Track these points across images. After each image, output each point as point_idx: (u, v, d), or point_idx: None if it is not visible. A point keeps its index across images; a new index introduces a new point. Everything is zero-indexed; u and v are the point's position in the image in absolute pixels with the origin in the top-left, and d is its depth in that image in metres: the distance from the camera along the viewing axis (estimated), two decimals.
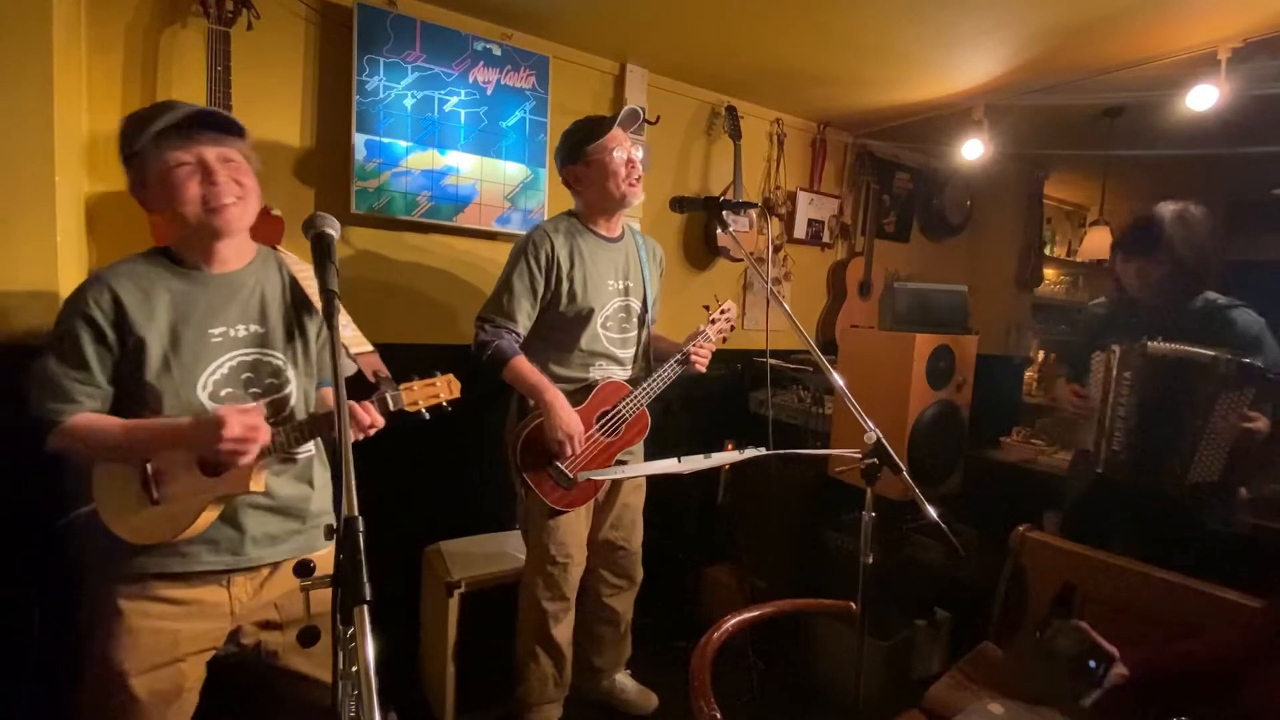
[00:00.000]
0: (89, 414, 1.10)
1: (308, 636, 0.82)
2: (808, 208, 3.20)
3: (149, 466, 1.10)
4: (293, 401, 1.23)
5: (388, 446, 1.48)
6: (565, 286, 1.77)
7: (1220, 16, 2.00)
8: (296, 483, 1.26)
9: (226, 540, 1.18)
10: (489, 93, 2.22)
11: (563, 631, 1.89)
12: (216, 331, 1.16)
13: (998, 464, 2.74)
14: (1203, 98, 2.22)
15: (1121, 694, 1.16)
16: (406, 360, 1.32)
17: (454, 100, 2.16)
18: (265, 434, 1.08)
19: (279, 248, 1.29)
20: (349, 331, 1.26)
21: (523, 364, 1.72)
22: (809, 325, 3.32)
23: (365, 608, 0.64)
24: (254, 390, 1.19)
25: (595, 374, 1.83)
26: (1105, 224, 3.94)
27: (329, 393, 1.34)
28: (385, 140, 2.05)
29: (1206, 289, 1.72)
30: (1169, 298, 1.73)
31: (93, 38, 1.73)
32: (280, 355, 1.22)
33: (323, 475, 1.33)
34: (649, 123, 2.53)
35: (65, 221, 1.52)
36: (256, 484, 1.13)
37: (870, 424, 1.26)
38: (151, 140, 1.07)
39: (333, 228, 1.03)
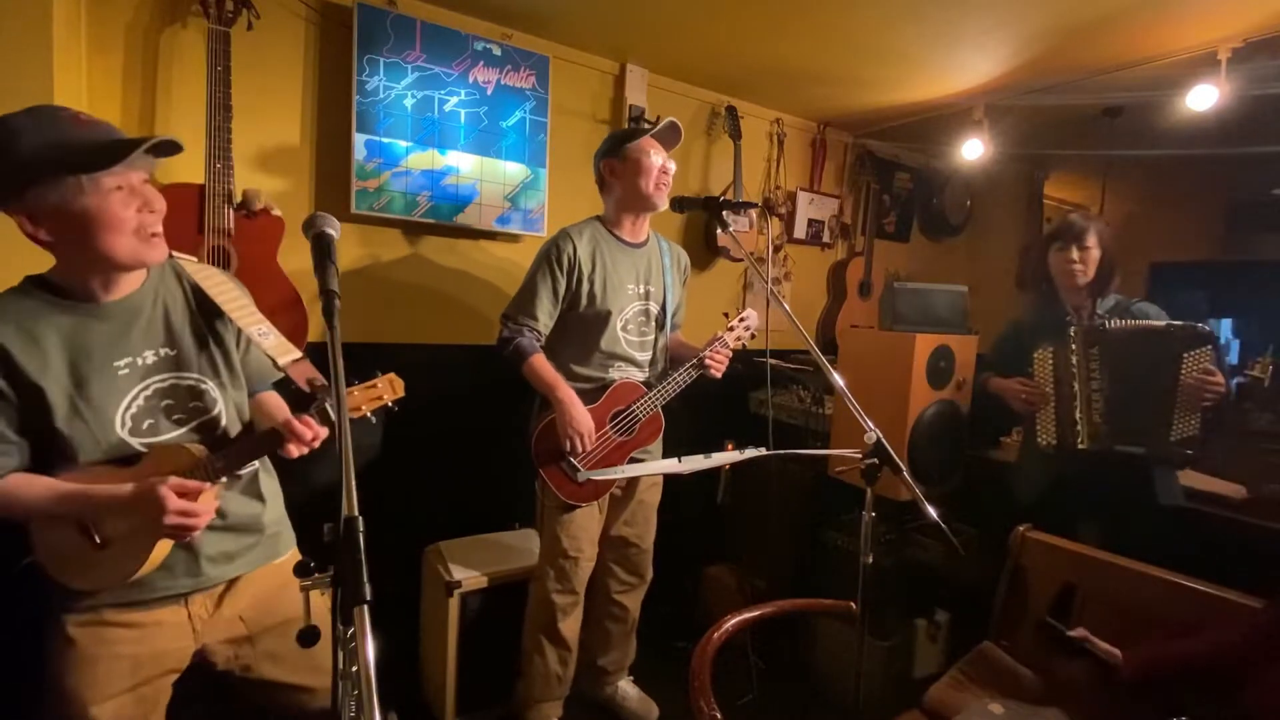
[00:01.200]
0: (13, 477, 1.02)
1: (308, 636, 0.81)
2: (808, 208, 3.20)
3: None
4: (223, 421, 1.16)
5: (388, 446, 1.48)
6: (586, 288, 1.81)
7: (1220, 16, 2.00)
8: (246, 499, 1.22)
9: (182, 564, 1.13)
10: (489, 93, 2.22)
11: (570, 626, 1.90)
12: (122, 363, 1.07)
13: (998, 464, 2.73)
14: (1203, 98, 2.22)
15: (1122, 692, 1.16)
16: (406, 360, 1.32)
17: (454, 100, 2.16)
18: (206, 517, 1.03)
19: (174, 254, 1.18)
20: (271, 339, 1.16)
21: (540, 361, 1.78)
22: (809, 325, 3.32)
23: (365, 608, 0.64)
24: (177, 416, 1.11)
25: (614, 375, 1.86)
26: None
27: (266, 398, 1.30)
28: (385, 140, 2.05)
29: (1114, 288, 1.94)
30: (1090, 293, 1.92)
31: (93, 38, 1.73)
32: (198, 375, 1.14)
33: (270, 485, 1.29)
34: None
35: None
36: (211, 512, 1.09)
37: (870, 424, 1.27)
38: (82, 172, 0.95)
39: (333, 228, 1.02)
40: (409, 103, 2.08)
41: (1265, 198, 4.14)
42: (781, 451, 1.46)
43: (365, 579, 0.66)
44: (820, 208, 3.26)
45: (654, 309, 1.93)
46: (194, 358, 1.14)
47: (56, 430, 1.03)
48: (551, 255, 1.80)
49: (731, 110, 2.81)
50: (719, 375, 1.88)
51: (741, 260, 2.97)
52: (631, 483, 1.97)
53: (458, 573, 1.92)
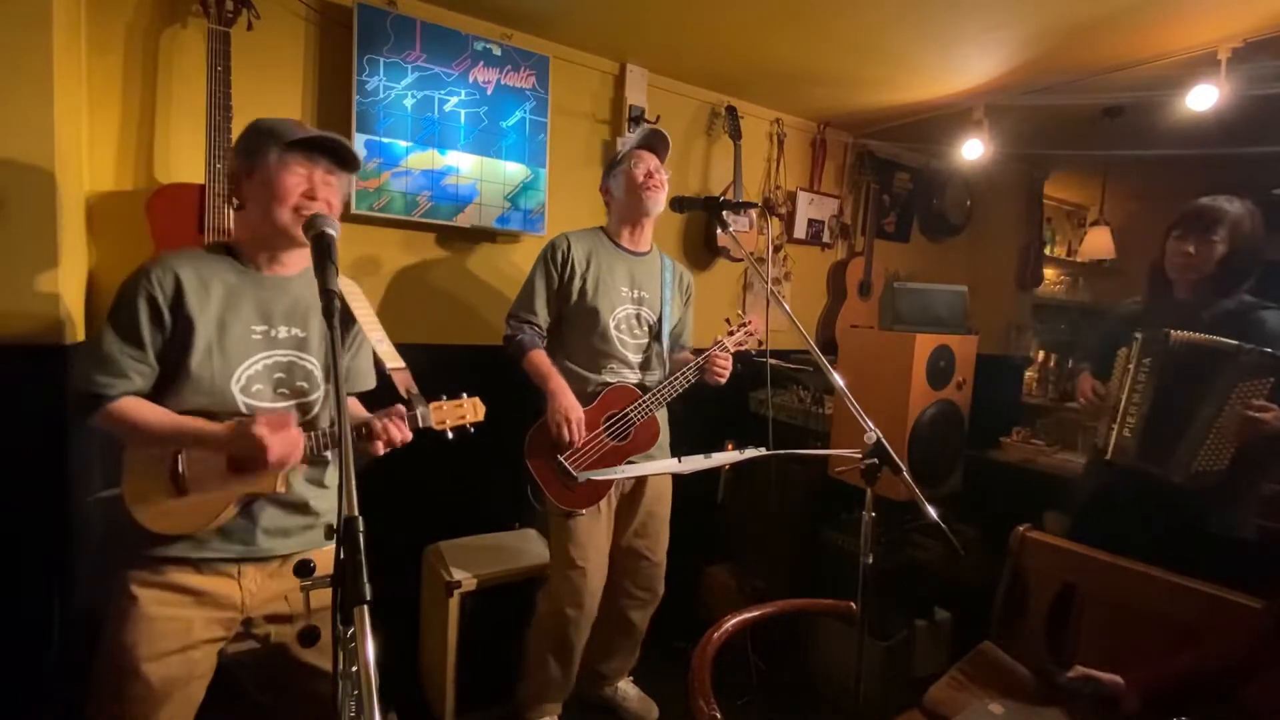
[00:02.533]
0: (136, 399, 1.13)
1: (308, 636, 0.82)
2: (808, 208, 3.20)
3: (181, 459, 1.13)
4: (317, 409, 1.27)
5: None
6: (578, 284, 1.85)
7: (1220, 16, 2.00)
8: (308, 484, 1.29)
9: (239, 530, 1.20)
10: (489, 93, 2.22)
11: (579, 639, 1.89)
12: (259, 329, 1.20)
13: (998, 464, 2.74)
14: (1203, 98, 2.22)
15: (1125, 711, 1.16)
16: (406, 360, 1.32)
17: (454, 100, 2.16)
18: (299, 450, 1.14)
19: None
20: (384, 346, 1.30)
21: (539, 355, 1.83)
22: (809, 325, 3.32)
23: (365, 608, 0.64)
24: (282, 391, 1.22)
25: (608, 376, 1.87)
26: (1105, 224, 3.95)
27: (353, 402, 1.38)
28: (385, 140, 2.05)
29: (1245, 288, 1.70)
30: (1208, 291, 1.71)
31: (93, 38, 1.73)
32: (316, 362, 1.25)
33: (333, 477, 1.35)
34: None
35: (65, 221, 1.52)
36: (283, 484, 1.18)
37: (870, 424, 1.27)
38: (280, 146, 1.14)
39: (333, 228, 1.03)
40: (409, 103, 2.08)
41: (1265, 198, 4.13)
42: (781, 451, 1.46)
43: (365, 579, 0.66)
44: (820, 208, 3.26)
45: (648, 316, 1.93)
46: (317, 346, 1.26)
47: (188, 368, 1.13)
48: (547, 254, 1.88)
49: (731, 110, 2.81)
50: (723, 380, 1.88)
51: (741, 260, 2.97)
52: (638, 493, 1.96)
53: (458, 573, 1.92)
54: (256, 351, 1.19)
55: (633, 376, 1.91)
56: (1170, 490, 1.65)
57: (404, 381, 1.30)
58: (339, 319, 1.24)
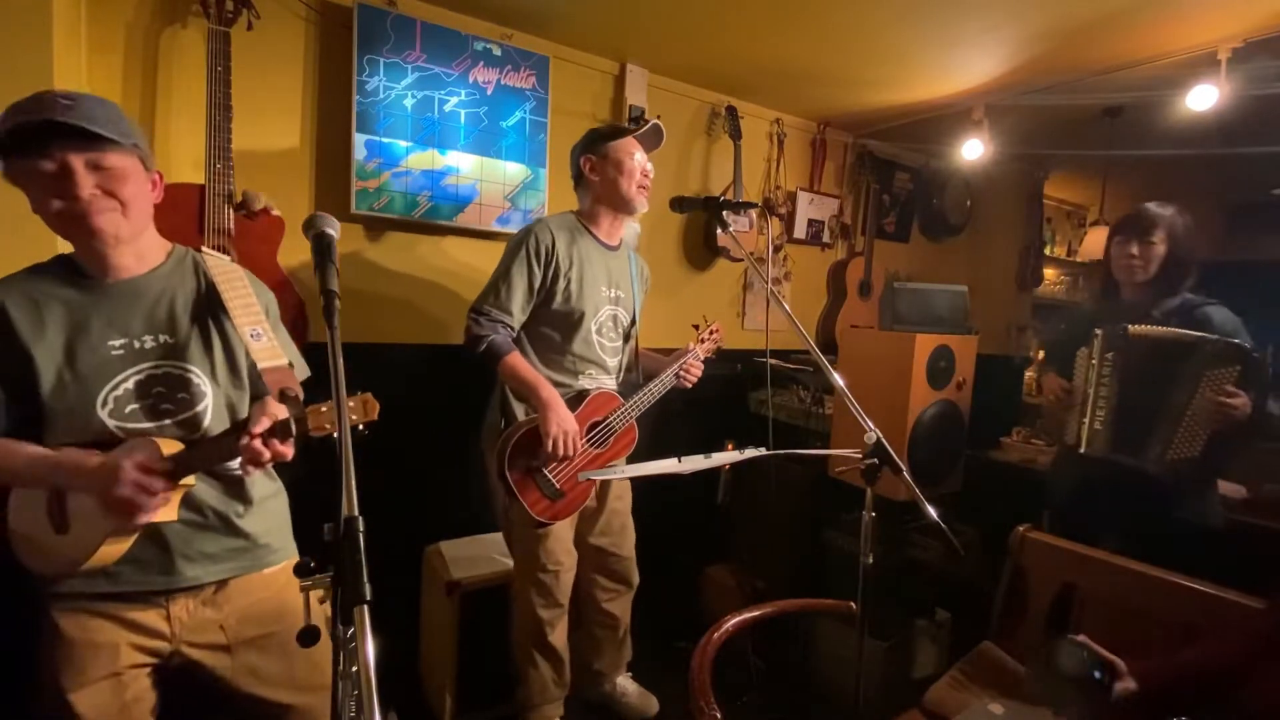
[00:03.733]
0: None
1: (307, 636, 0.81)
2: (808, 208, 3.20)
3: (57, 492, 1.05)
4: (207, 420, 1.13)
5: (388, 446, 1.48)
6: (562, 285, 1.75)
7: (1220, 16, 2.00)
8: (225, 496, 1.16)
9: (153, 559, 1.10)
10: (489, 93, 2.22)
11: (559, 636, 1.89)
12: (117, 344, 1.06)
13: (998, 464, 2.74)
14: (1203, 98, 2.22)
15: (1126, 709, 1.16)
16: (406, 360, 1.31)
17: (454, 100, 2.16)
18: (156, 500, 1.00)
19: (202, 248, 1.20)
20: (262, 341, 1.13)
21: (519, 360, 1.70)
22: (809, 325, 3.32)
23: (365, 607, 0.64)
24: (165, 406, 1.09)
25: (584, 382, 1.82)
26: (1105, 224, 3.95)
27: (270, 403, 1.23)
28: (385, 140, 2.05)
29: (1185, 287, 1.81)
30: (1154, 291, 1.81)
31: (93, 38, 1.73)
32: (194, 368, 1.11)
33: (265, 488, 1.23)
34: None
35: None
36: (164, 515, 1.05)
37: (870, 424, 1.26)
38: (8, 137, 0.95)
39: (333, 228, 1.02)
40: (409, 103, 2.08)
41: (1265, 198, 4.14)
42: (781, 451, 1.46)
43: (365, 579, 0.66)
44: (820, 208, 3.26)
45: (623, 316, 1.90)
46: (194, 351, 1.12)
47: (42, 403, 1.03)
48: (529, 246, 1.72)
49: (731, 110, 2.81)
50: (691, 385, 1.91)
51: (741, 260, 2.97)
52: (600, 493, 1.93)
53: (458, 573, 1.92)
54: (122, 369, 1.06)
55: (610, 382, 1.87)
56: (1140, 480, 1.72)
57: (279, 381, 1.09)
58: (231, 318, 1.13)
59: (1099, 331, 1.78)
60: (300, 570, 0.76)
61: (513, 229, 2.33)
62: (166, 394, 1.09)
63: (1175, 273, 1.79)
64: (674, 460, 1.40)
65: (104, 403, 1.05)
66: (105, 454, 1.02)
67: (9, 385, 1.04)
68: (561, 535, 1.83)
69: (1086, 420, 1.80)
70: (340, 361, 0.82)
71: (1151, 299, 1.81)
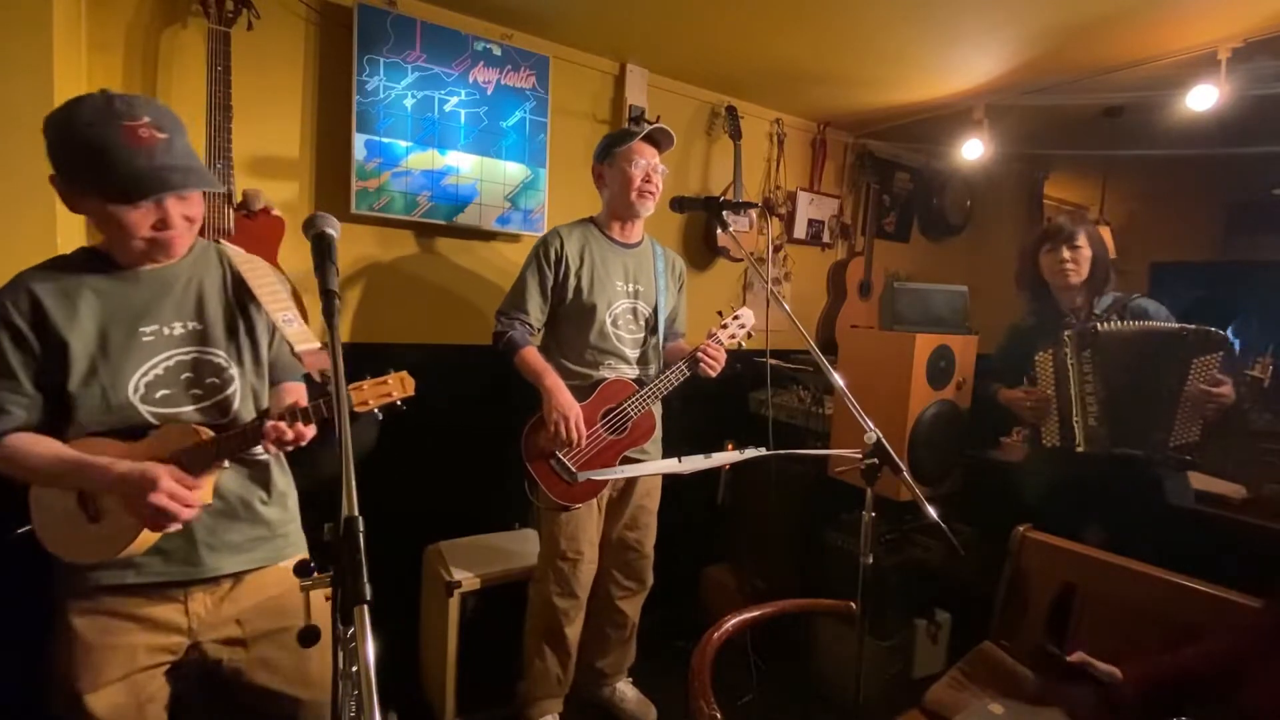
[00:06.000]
0: (24, 436, 1.05)
1: (308, 636, 0.81)
2: (808, 208, 3.20)
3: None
4: (236, 404, 1.16)
5: (388, 446, 1.48)
6: (573, 282, 1.84)
7: (1220, 16, 2.00)
8: (248, 482, 1.19)
9: (178, 549, 1.11)
10: (489, 93, 2.22)
11: (573, 630, 1.90)
12: (149, 330, 1.09)
13: (998, 464, 2.73)
14: (1203, 98, 2.22)
15: (1122, 706, 1.16)
16: (406, 360, 1.31)
17: (454, 100, 2.16)
18: (192, 511, 1.02)
19: (222, 240, 1.23)
20: (295, 326, 1.17)
21: (531, 353, 1.82)
22: (809, 325, 3.32)
23: (365, 607, 0.64)
24: (195, 391, 1.12)
25: (604, 372, 1.87)
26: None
27: (290, 387, 1.27)
28: (385, 140, 2.05)
29: (1113, 285, 1.94)
30: (1087, 290, 1.92)
31: (93, 38, 1.73)
32: (222, 353, 1.15)
33: (282, 481, 1.26)
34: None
35: (65, 221, 1.52)
36: (208, 497, 1.08)
37: (870, 424, 1.27)
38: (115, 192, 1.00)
39: (333, 228, 1.02)
40: (409, 103, 2.08)
41: (1265, 198, 4.13)
42: (781, 451, 1.46)
43: (365, 579, 0.65)
44: (820, 208, 3.26)
45: (643, 309, 1.93)
46: (221, 337, 1.15)
47: (69, 392, 1.05)
48: (540, 251, 1.85)
49: (731, 110, 2.81)
50: (714, 374, 1.83)
51: (741, 260, 2.97)
52: (629, 485, 1.97)
53: (458, 573, 1.92)
54: (153, 354, 1.09)
55: (630, 372, 1.91)
56: (1126, 470, 1.78)
57: (317, 363, 1.14)
58: (256, 306, 1.15)
59: (1067, 334, 1.83)
60: (300, 570, 0.76)
61: (513, 229, 2.34)
62: (196, 379, 1.13)
63: (1102, 273, 1.92)
64: (674, 460, 1.40)
65: (135, 388, 1.08)
66: (135, 454, 1.04)
67: (43, 378, 1.06)
68: (585, 526, 1.86)
69: (1079, 420, 1.83)
70: (340, 361, 0.82)
71: (1087, 298, 1.93)
